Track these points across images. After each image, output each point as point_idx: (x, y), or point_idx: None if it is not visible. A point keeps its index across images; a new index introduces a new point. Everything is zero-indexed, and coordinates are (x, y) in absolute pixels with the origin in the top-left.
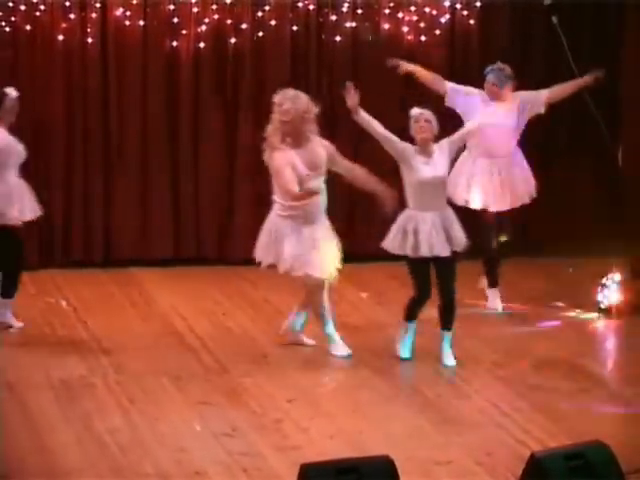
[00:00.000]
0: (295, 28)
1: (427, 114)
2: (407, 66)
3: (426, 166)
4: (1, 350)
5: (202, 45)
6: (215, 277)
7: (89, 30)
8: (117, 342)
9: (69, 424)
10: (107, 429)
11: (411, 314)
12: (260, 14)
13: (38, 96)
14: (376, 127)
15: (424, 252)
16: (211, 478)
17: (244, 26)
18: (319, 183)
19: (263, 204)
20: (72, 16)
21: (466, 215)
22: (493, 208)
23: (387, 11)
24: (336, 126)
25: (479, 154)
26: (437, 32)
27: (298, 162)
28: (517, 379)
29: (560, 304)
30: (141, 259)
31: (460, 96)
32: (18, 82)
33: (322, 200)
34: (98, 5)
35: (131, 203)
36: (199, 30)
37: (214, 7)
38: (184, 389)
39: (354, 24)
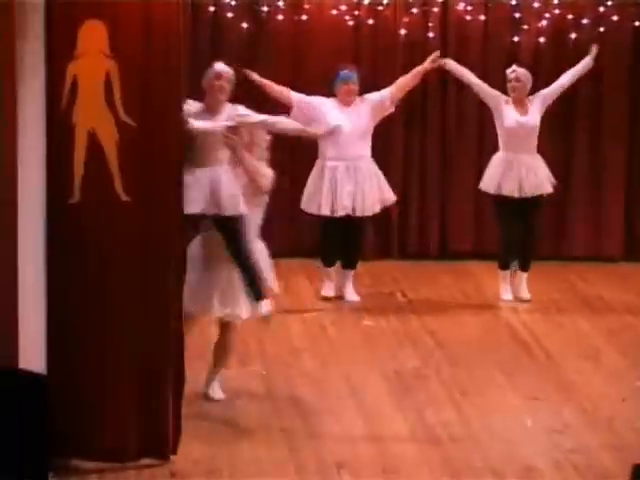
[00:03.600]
0: (637, 24)
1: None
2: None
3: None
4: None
5: (542, 40)
6: (550, 273)
7: (430, 25)
8: (450, 335)
9: (402, 415)
10: (439, 421)
11: None
12: (602, 9)
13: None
14: None
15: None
16: (542, 474)
17: (585, 21)
18: None
19: None
20: (414, 10)
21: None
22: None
23: None
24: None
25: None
26: None
27: None
28: None
29: None
30: (477, 253)
31: None
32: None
33: None
34: (440, 0)
35: (466, 197)
36: (539, 25)
37: (555, 2)
38: (515, 383)
39: None
